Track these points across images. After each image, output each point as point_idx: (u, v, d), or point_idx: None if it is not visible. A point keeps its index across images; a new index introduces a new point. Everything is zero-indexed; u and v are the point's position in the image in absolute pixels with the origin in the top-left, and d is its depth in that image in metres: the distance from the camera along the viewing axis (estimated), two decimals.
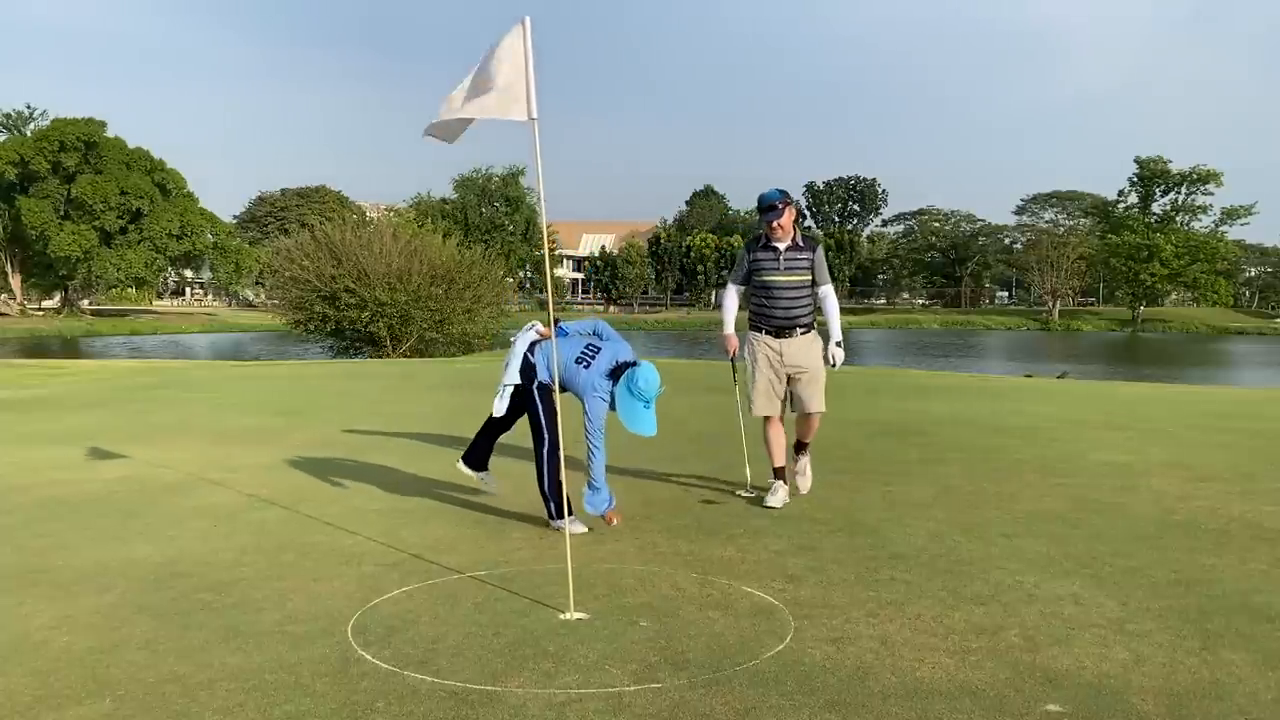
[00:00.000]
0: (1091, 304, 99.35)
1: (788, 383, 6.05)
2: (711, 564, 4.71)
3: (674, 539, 5.18)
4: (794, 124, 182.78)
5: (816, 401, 6.04)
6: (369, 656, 3.51)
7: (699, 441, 8.47)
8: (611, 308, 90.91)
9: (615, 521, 5.36)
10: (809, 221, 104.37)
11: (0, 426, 9.70)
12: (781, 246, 5.98)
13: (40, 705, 3.12)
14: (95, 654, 3.56)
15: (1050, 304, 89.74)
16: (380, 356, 25.56)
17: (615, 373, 5.28)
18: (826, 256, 6.29)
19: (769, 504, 5.88)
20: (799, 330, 6.01)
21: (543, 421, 5.29)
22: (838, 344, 6.02)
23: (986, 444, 8.36)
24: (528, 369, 5.36)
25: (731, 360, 6.45)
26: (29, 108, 70.86)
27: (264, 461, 7.44)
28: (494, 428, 5.67)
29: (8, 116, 69.84)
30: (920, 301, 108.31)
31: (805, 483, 6.22)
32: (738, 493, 6.24)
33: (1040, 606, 4.08)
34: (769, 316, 6.03)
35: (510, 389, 5.41)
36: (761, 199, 5.98)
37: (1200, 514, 5.77)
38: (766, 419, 6.11)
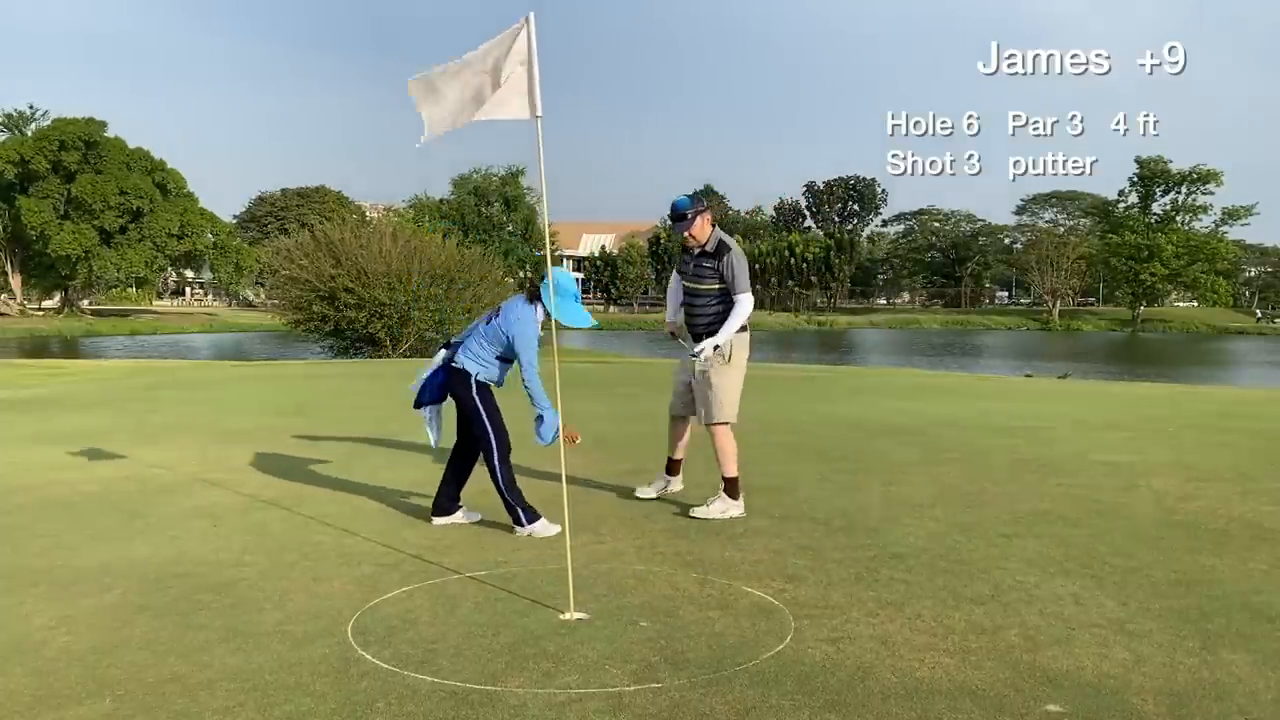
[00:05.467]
0: (1091, 304, 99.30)
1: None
2: (711, 564, 4.71)
3: (674, 539, 5.19)
4: (794, 124, 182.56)
5: (706, 412, 5.80)
6: (369, 656, 3.51)
7: (700, 441, 8.46)
8: (611, 307, 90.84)
9: (577, 439, 5.15)
10: (808, 222, 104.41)
11: (0, 426, 9.70)
12: (694, 253, 5.86)
13: (40, 705, 3.12)
14: (95, 654, 3.56)
15: (1050, 304, 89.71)
16: (380, 357, 25.55)
17: (529, 298, 5.34)
18: (750, 264, 6.15)
19: (638, 492, 6.13)
20: (706, 338, 5.78)
21: (489, 425, 5.30)
22: (715, 346, 5.69)
23: (986, 444, 8.36)
24: (460, 374, 5.34)
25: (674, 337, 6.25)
26: (30, 108, 70.84)
27: (264, 461, 7.44)
28: (454, 471, 5.56)
29: (8, 116, 69.80)
30: (920, 301, 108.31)
31: (702, 511, 5.67)
32: (637, 492, 6.18)
33: (1040, 606, 4.08)
34: (688, 321, 6.01)
35: (436, 415, 5.50)
36: (672, 207, 5.82)
37: (1200, 514, 5.77)
38: (672, 417, 6.14)
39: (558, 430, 5.00)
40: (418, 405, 5.59)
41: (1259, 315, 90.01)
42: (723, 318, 5.78)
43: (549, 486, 6.28)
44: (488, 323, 5.38)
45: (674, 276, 6.22)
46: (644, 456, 7.38)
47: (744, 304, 5.75)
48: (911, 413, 10.72)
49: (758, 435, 8.91)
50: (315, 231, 28.01)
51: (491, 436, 5.30)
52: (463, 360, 5.35)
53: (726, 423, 5.79)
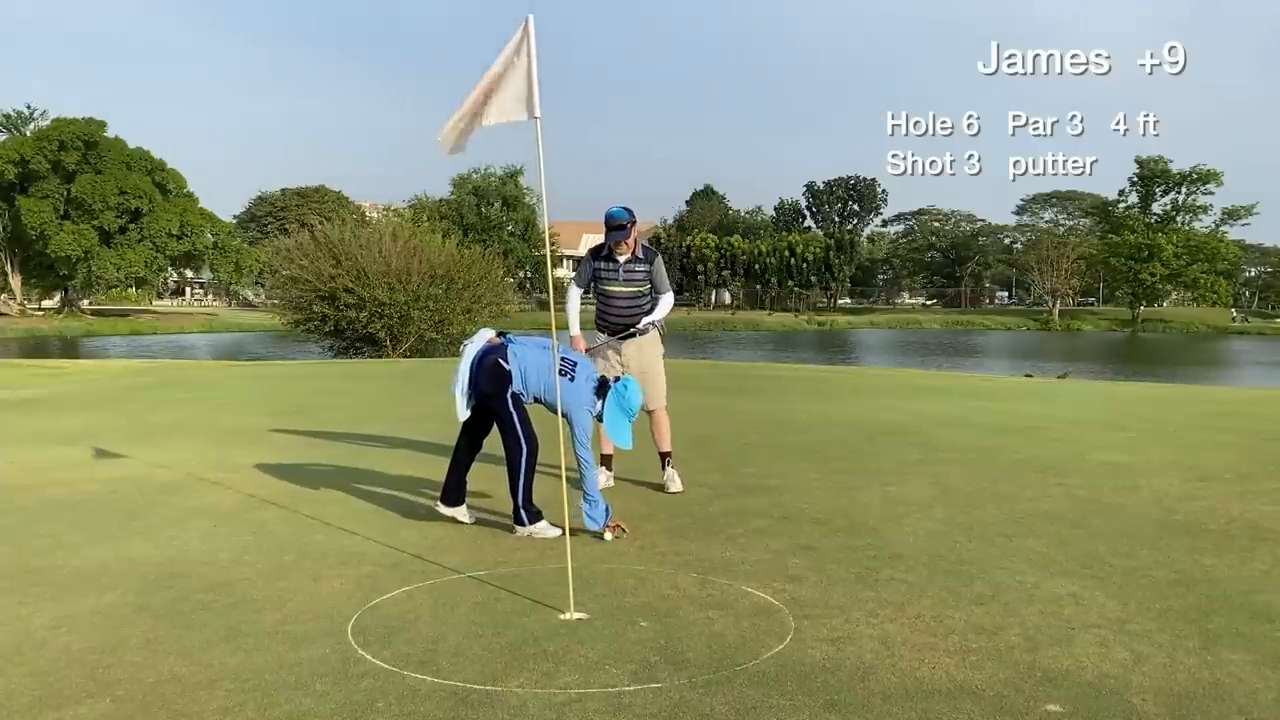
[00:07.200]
0: (1091, 304, 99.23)
1: None
2: (711, 564, 4.71)
3: (674, 539, 5.19)
4: (794, 124, 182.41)
5: (654, 396, 6.41)
6: (369, 656, 3.51)
7: (699, 442, 8.46)
8: None
9: (615, 534, 5.15)
10: (808, 222, 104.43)
11: (0, 426, 9.70)
12: (622, 259, 6.38)
13: (40, 705, 3.12)
14: (95, 654, 3.56)
15: (1050, 304, 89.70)
16: (380, 357, 25.55)
17: (599, 388, 5.31)
18: (667, 266, 6.69)
19: (670, 488, 6.36)
20: (636, 333, 6.41)
21: (520, 432, 5.27)
22: (651, 321, 6.42)
23: (986, 444, 8.36)
24: (501, 377, 5.28)
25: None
26: (29, 108, 70.83)
27: (264, 461, 7.43)
28: (463, 457, 5.54)
29: (8, 116, 69.77)
30: (920, 301, 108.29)
31: (675, 485, 6.41)
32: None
33: (1040, 606, 4.08)
34: (608, 319, 6.47)
35: (469, 393, 5.33)
36: (609, 218, 6.28)
37: (1200, 514, 5.77)
38: None
39: (608, 514, 5.11)
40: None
41: (1234, 316, 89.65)
42: (650, 312, 6.48)
43: (549, 487, 6.28)
44: (559, 372, 5.12)
45: (574, 290, 6.62)
46: (642, 454, 7.38)
47: (669, 299, 6.57)
48: (911, 413, 10.72)
49: (758, 435, 8.92)
50: (315, 231, 27.98)
51: (523, 442, 5.27)
52: (512, 366, 5.28)
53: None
